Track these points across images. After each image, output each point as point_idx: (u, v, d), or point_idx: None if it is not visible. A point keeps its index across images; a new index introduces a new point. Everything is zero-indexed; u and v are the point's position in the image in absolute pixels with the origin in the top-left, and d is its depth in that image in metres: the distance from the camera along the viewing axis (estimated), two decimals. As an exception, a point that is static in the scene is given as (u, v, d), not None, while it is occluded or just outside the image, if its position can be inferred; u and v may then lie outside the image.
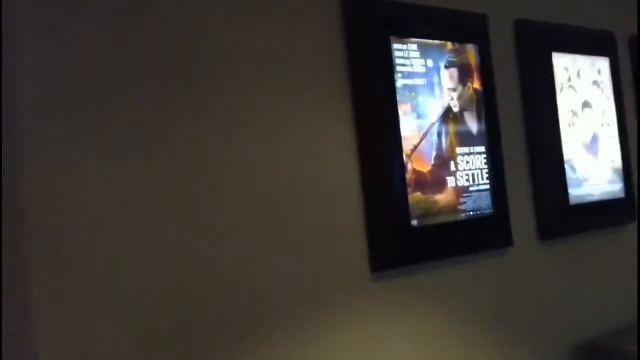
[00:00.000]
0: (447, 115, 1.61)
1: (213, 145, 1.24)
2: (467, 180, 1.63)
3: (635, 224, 2.13)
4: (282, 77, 1.37)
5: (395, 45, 1.51)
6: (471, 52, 1.69)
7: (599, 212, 1.98)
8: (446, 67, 1.62)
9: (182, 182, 1.20)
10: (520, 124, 1.85)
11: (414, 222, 1.49)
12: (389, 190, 1.47)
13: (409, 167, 1.50)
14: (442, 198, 1.56)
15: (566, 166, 1.88)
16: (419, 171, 1.52)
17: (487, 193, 1.67)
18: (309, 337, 1.34)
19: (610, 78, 2.08)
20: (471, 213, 1.63)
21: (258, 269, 1.28)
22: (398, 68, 1.51)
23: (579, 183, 1.92)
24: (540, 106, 1.86)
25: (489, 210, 1.67)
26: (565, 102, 1.92)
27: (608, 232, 2.04)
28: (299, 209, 1.36)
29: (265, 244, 1.30)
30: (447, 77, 1.62)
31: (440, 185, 1.57)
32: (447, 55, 1.63)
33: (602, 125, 2.03)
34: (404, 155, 1.49)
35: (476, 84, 1.69)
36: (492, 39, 1.77)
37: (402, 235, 1.48)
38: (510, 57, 1.85)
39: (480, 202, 1.65)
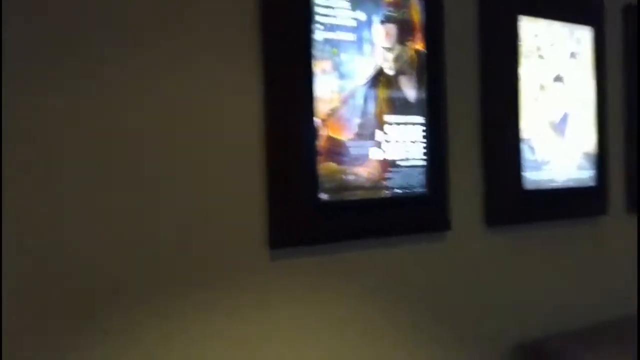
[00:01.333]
0: (379, 78, 1.41)
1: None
2: (398, 153, 1.44)
3: (607, 217, 1.92)
4: (180, 19, 1.19)
5: (317, -8, 1.31)
6: (415, 8, 1.47)
7: (562, 200, 1.76)
8: (382, 22, 1.41)
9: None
10: (473, 94, 1.63)
11: (324, 196, 1.32)
12: (296, 157, 1.29)
13: (323, 133, 1.32)
14: (363, 171, 1.38)
15: (524, 146, 1.67)
16: (336, 139, 1.34)
17: (422, 170, 1.48)
18: (187, 311, 1.20)
19: (593, 50, 1.84)
20: (399, 190, 1.44)
21: (136, 239, 1.14)
22: (318, 18, 1.31)
23: (538, 166, 1.71)
24: (499, 76, 1.64)
25: (421, 189, 1.48)
26: (532, 74, 1.69)
27: (572, 223, 1.83)
28: (188, 171, 1.20)
29: (145, 210, 1.15)
30: (383, 34, 1.41)
31: (362, 156, 1.38)
32: (385, 9, 1.42)
33: (575, 103, 1.80)
34: (318, 120, 1.31)
35: (419, 45, 1.48)
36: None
37: (308, 209, 1.30)
38: (468, 16, 1.62)
39: (411, 179, 1.46)
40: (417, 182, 1.47)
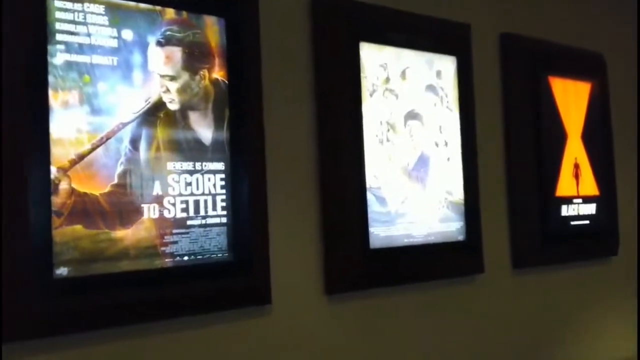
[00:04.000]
0: (156, 114, 1.10)
1: None
2: (185, 210, 1.12)
3: (485, 276, 1.64)
4: None
5: (58, 3, 1.01)
6: (212, 28, 1.19)
7: (422, 259, 1.47)
8: (160, 44, 1.11)
9: None
10: (304, 135, 1.35)
11: (61, 271, 0.97)
12: (22, 220, 0.95)
13: (64, 186, 0.99)
14: (130, 235, 1.05)
15: (370, 197, 1.39)
16: (86, 194, 1.01)
17: (223, 230, 1.17)
18: None
19: (456, 83, 1.60)
20: (186, 258, 1.12)
21: None
22: (59, 37, 1.00)
23: (391, 220, 1.42)
24: (338, 114, 1.37)
25: (222, 255, 1.16)
26: (379, 111, 1.42)
27: (436, 286, 1.53)
28: None
29: None
30: (161, 59, 1.11)
31: (129, 215, 1.06)
32: (165, 27, 1.12)
33: (436, 144, 1.54)
34: (55, 168, 0.98)
35: (219, 74, 1.19)
36: (264, 15, 1.28)
37: (41, 292, 0.95)
38: (297, 42, 1.35)
39: (206, 242, 1.14)
40: (215, 246, 1.15)
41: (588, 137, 1.93)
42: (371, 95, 1.41)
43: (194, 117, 1.14)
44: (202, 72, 1.16)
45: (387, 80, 1.45)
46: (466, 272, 1.59)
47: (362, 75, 1.40)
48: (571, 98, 1.90)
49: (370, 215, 1.38)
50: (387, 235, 1.41)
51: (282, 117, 1.31)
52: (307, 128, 1.35)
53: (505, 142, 1.75)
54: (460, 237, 1.56)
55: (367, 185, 1.38)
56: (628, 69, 2.17)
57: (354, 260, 1.35)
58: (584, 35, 2.02)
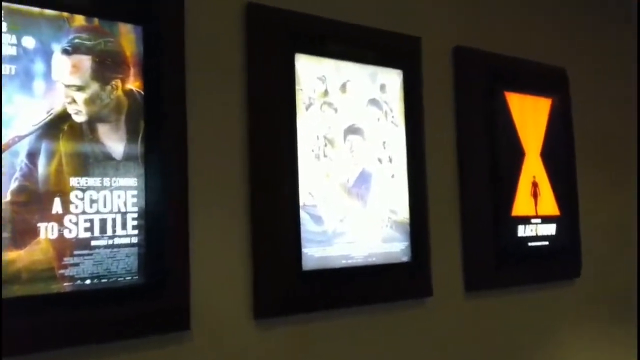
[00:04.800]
0: (59, 127, 1.03)
1: None
2: (89, 229, 1.05)
3: (433, 299, 1.57)
4: None
5: (-54, 7, 0.94)
6: (128, 37, 1.12)
7: (361, 281, 1.40)
8: (67, 52, 1.05)
9: None
10: (232, 149, 1.28)
11: (-62, 296, 0.90)
12: None
13: (-54, 203, 0.92)
14: (24, 256, 0.98)
15: (305, 215, 1.32)
16: (-26, 211, 0.94)
17: (133, 250, 1.09)
18: None
19: (403, 98, 1.54)
20: (88, 282, 1.04)
21: None
22: (-54, 43, 0.94)
23: (327, 240, 1.35)
24: (269, 127, 1.30)
25: (132, 278, 1.09)
26: (317, 125, 1.36)
27: (377, 310, 1.45)
28: None
29: None
30: (67, 68, 1.04)
31: (22, 235, 0.98)
32: (72, 35, 1.06)
33: (379, 160, 1.47)
34: None
35: (133, 84, 1.12)
36: (191, 23, 1.22)
37: None
38: (228, 51, 1.28)
39: (113, 264, 1.06)
40: (124, 269, 1.08)
41: (548, 155, 1.87)
42: (307, 108, 1.35)
43: (103, 130, 1.07)
44: (114, 83, 1.09)
45: (326, 93, 1.39)
46: (412, 296, 1.51)
47: (297, 87, 1.33)
48: (530, 114, 1.84)
49: (304, 234, 1.31)
50: (322, 256, 1.33)
51: (209, 131, 1.25)
52: (238, 142, 1.28)
53: (458, 160, 1.68)
54: (405, 258, 1.48)
55: (301, 203, 1.31)
56: (591, 84, 2.11)
57: (286, 282, 1.28)
58: (545, 50, 1.97)
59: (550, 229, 1.85)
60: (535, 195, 1.82)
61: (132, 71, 1.11)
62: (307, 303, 1.31)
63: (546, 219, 1.84)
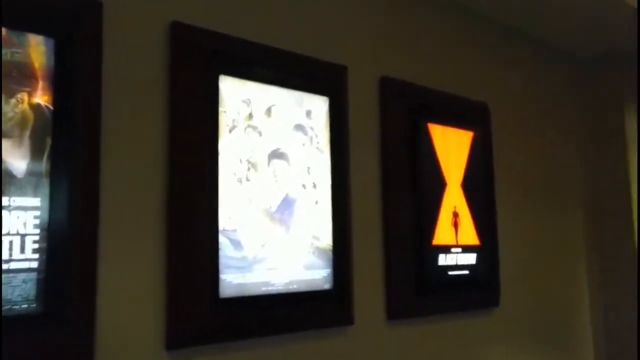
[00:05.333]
0: (-48, 139, 0.96)
1: None
2: (-18, 251, 0.97)
3: (354, 328, 1.56)
4: None
5: None
6: (37, 49, 1.06)
7: (282, 309, 1.37)
8: (-34, 60, 0.98)
9: None
10: (149, 169, 1.23)
11: None
12: None
13: None
14: None
15: (224, 240, 1.28)
16: None
17: (32, 276, 1.02)
18: None
19: (328, 124, 1.54)
20: (-22, 309, 0.96)
21: None
22: None
23: (247, 266, 1.32)
24: (190, 148, 1.26)
25: (28, 305, 1.01)
26: (238, 148, 1.34)
27: (297, 339, 1.42)
28: None
29: None
30: (-35, 78, 0.98)
31: None
32: (-27, 43, 1.00)
33: (303, 186, 1.47)
34: None
35: (41, 98, 1.06)
36: (112, 39, 1.18)
37: None
38: (150, 69, 1.24)
39: (8, 290, 0.98)
40: (20, 295, 1.00)
41: (469, 186, 1.93)
42: (231, 131, 1.33)
43: (5, 146, 1.00)
44: (19, 96, 1.03)
45: (250, 116, 1.37)
46: (333, 324, 1.50)
47: (221, 109, 1.31)
48: (452, 146, 1.90)
49: (222, 260, 1.27)
50: (241, 282, 1.30)
51: (126, 150, 1.19)
52: (156, 163, 1.23)
53: (382, 188, 1.70)
54: (327, 286, 1.47)
55: (221, 227, 1.27)
56: (512, 118, 2.22)
57: (201, 310, 1.22)
58: (468, 84, 2.06)
59: (470, 259, 1.90)
60: (456, 225, 1.87)
61: (40, 84, 1.05)
62: (223, 332, 1.26)
63: (466, 249, 1.89)
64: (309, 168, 1.48)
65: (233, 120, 1.33)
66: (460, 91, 2.01)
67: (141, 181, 1.21)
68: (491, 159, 2.07)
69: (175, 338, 1.20)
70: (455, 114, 1.95)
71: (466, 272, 1.88)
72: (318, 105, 1.52)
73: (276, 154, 1.41)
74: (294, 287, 1.39)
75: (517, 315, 2.11)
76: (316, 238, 1.46)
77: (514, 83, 2.28)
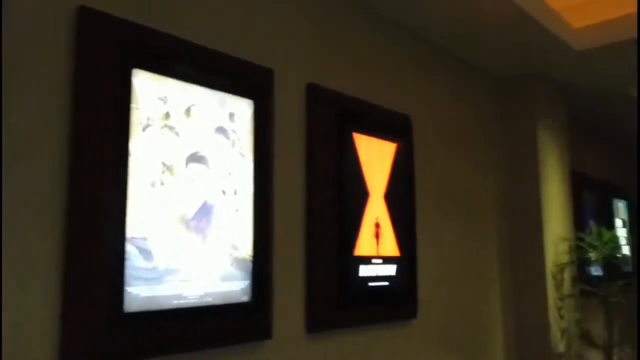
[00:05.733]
0: None
1: None
2: None
3: (272, 342, 1.48)
4: None
5: None
6: None
7: (192, 324, 1.27)
8: None
9: None
10: (46, 168, 1.09)
11: None
12: None
13: None
14: None
15: (132, 248, 1.17)
16: None
17: None
18: None
19: (253, 129, 1.47)
20: None
21: None
22: None
23: (158, 277, 1.21)
24: (96, 146, 1.14)
25: None
26: (152, 148, 1.23)
27: (207, 356, 1.32)
28: None
29: None
30: None
31: None
32: None
33: (223, 192, 1.39)
34: None
35: None
36: (16, 22, 1.04)
37: None
38: (54, 57, 1.12)
39: None
40: None
41: (391, 197, 1.93)
42: (144, 129, 1.22)
43: None
44: None
45: (167, 115, 1.27)
46: (250, 338, 1.42)
47: (133, 105, 1.20)
48: (376, 157, 1.89)
49: (129, 271, 1.15)
50: (150, 295, 1.19)
51: (23, 146, 1.06)
52: (54, 161, 1.11)
53: (306, 196, 1.65)
54: (245, 298, 1.39)
55: (128, 235, 1.16)
56: (433, 132, 2.25)
57: (102, 326, 1.10)
58: (393, 96, 2.06)
59: (390, 270, 1.89)
60: (377, 236, 1.85)
61: None
62: (127, 350, 1.14)
63: (387, 260, 1.88)
64: (230, 173, 1.39)
65: (147, 119, 1.23)
66: (386, 102, 2.01)
67: (39, 180, 1.08)
68: (413, 171, 2.08)
69: (71, 356, 1.07)
70: (380, 125, 1.94)
71: (386, 283, 1.86)
72: (242, 108, 1.45)
73: (195, 157, 1.32)
74: (209, 300, 1.30)
75: (433, 326, 2.13)
76: (235, 248, 1.38)
77: (437, 98, 2.32)
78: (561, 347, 2.54)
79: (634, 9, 2.19)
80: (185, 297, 1.26)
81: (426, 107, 2.24)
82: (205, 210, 1.33)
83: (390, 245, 1.90)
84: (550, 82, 2.76)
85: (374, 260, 1.81)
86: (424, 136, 2.17)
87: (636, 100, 3.12)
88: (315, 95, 1.71)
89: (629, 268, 3.85)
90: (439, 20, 2.11)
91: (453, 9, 2.03)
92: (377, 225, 1.85)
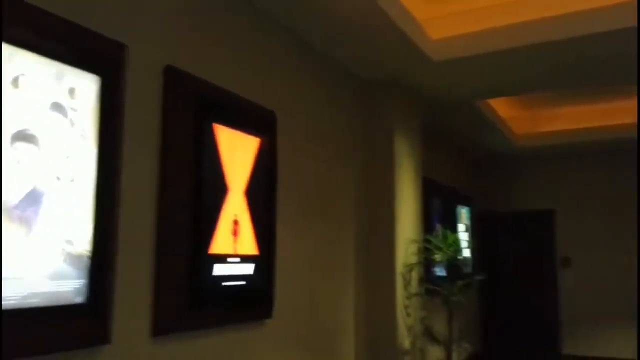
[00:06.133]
0: None
1: None
2: None
3: (111, 347, 1.33)
4: None
5: None
6: None
7: (13, 329, 1.08)
8: None
9: None
10: None
11: None
12: None
13: None
14: None
15: None
16: None
17: None
18: None
19: (98, 109, 1.31)
20: None
21: None
22: None
23: (-34, 275, 1.02)
24: None
25: None
26: (-32, 121, 1.04)
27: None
28: None
29: None
30: None
31: None
32: None
33: (57, 178, 1.21)
34: None
35: None
36: None
37: None
38: None
39: None
40: None
41: (252, 194, 1.85)
42: (-44, 98, 1.02)
43: None
44: None
45: (-12, 84, 1.07)
46: (85, 344, 1.25)
47: (-58, 68, 0.99)
48: (238, 151, 1.80)
49: None
50: (-46, 297, 0.99)
51: None
52: None
53: (159, 189, 1.51)
54: (79, 299, 1.22)
55: None
56: (298, 130, 2.22)
57: None
58: (258, 90, 1.99)
59: (248, 269, 1.81)
60: (235, 233, 1.76)
61: None
62: None
63: (245, 259, 1.80)
64: (68, 157, 1.22)
65: (-39, 85, 1.03)
66: (252, 95, 1.93)
67: None
68: (276, 168, 2.03)
69: None
70: (244, 118, 1.86)
71: (243, 282, 1.78)
72: (85, 84, 1.27)
73: (22, 136, 1.13)
74: (34, 302, 1.12)
75: (288, 326, 2.09)
76: (70, 242, 1.20)
77: (303, 96, 2.30)
78: (407, 343, 2.66)
79: (488, 25, 2.36)
80: (4, 298, 1.06)
81: (292, 104, 2.20)
82: (33, 198, 1.14)
83: (248, 244, 1.82)
84: (408, 89, 2.89)
85: (230, 259, 1.72)
86: (289, 133, 2.13)
87: (480, 111, 3.41)
88: (174, 79, 1.58)
89: (468, 269, 4.20)
90: (308, 16, 2.09)
91: (319, 3, 2.00)
92: (236, 223, 1.76)
